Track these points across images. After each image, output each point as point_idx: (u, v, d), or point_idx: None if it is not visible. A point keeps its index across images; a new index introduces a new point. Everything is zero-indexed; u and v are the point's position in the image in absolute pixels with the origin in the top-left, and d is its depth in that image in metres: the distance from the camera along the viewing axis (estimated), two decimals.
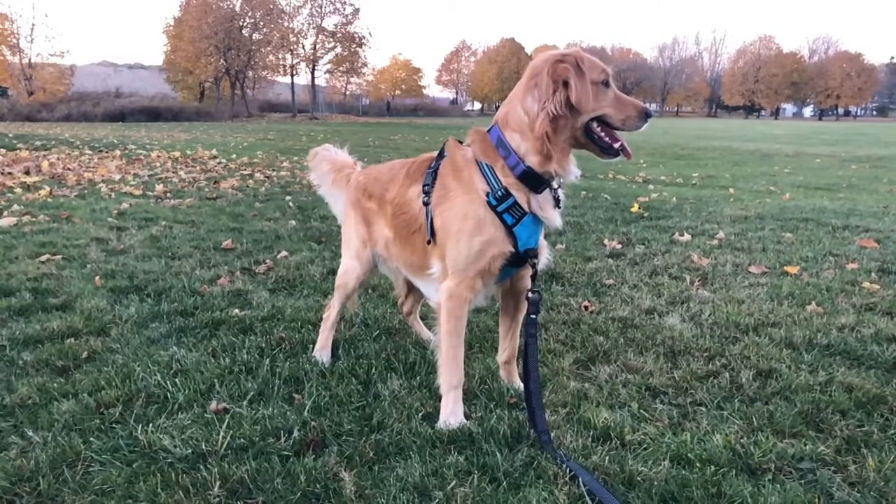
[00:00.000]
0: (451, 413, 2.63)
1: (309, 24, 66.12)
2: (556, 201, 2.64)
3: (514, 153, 2.54)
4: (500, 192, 2.54)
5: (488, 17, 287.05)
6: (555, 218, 2.64)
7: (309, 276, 4.80)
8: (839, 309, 4.17)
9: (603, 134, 2.51)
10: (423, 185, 2.75)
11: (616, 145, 2.52)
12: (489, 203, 2.54)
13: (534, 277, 2.72)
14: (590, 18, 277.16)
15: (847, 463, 2.40)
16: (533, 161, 2.52)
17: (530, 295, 2.72)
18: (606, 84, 2.50)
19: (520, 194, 2.55)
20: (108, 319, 3.76)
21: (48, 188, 8.97)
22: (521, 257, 2.62)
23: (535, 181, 2.54)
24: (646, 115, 2.51)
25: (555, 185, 2.61)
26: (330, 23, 67.38)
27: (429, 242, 2.72)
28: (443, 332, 2.67)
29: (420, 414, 2.70)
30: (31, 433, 2.49)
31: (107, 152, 15.95)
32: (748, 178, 13.06)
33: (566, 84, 2.42)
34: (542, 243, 2.74)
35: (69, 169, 11.81)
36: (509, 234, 2.57)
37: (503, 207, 2.54)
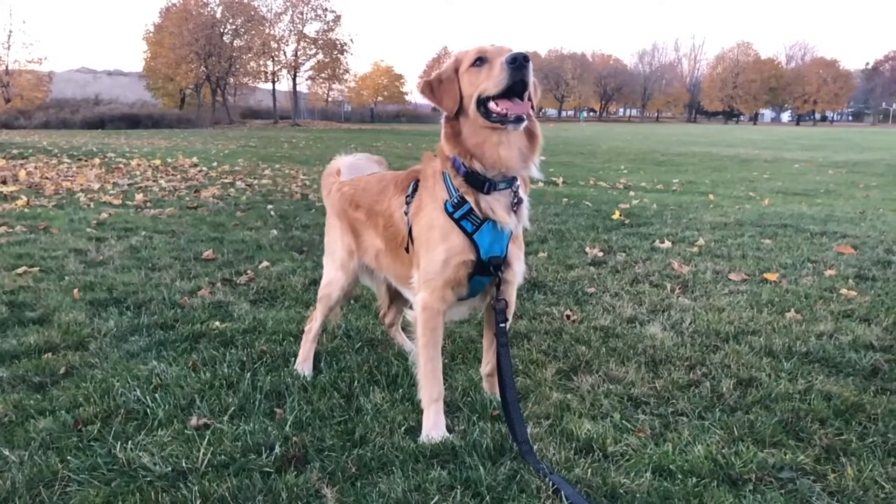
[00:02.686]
0: (434, 426, 2.62)
1: (290, 30, 66.02)
2: (516, 202, 2.58)
3: (456, 157, 2.55)
4: (456, 199, 2.55)
5: (470, 23, 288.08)
6: (508, 221, 2.56)
7: (291, 287, 4.77)
8: (818, 316, 4.22)
9: (499, 109, 2.37)
10: (406, 196, 2.79)
11: (511, 110, 2.34)
12: (447, 210, 2.56)
13: (498, 286, 2.68)
14: (570, 24, 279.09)
15: (826, 472, 2.42)
16: (464, 161, 2.52)
17: (495, 304, 2.72)
18: (480, 63, 2.43)
19: (472, 198, 2.54)
20: (87, 333, 3.72)
21: (25, 198, 8.85)
22: (486, 265, 2.60)
23: (477, 181, 2.51)
24: (509, 62, 2.28)
25: (513, 187, 2.56)
26: (311, 29, 67.44)
27: (407, 250, 2.77)
28: (420, 345, 2.68)
29: (402, 428, 2.69)
30: (7, 452, 2.45)
31: (86, 161, 15.80)
32: (728, 183, 13.19)
33: (433, 92, 2.54)
34: (515, 255, 2.70)
35: (47, 178, 11.68)
36: (470, 241, 2.56)
37: (460, 214, 2.55)
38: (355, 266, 3.21)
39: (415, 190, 2.76)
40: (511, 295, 2.82)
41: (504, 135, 2.45)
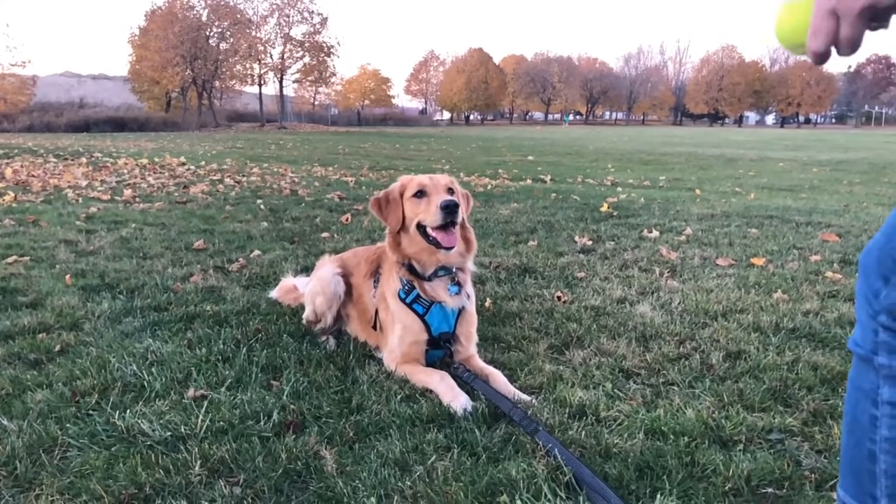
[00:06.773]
0: (452, 399, 2.67)
1: (276, 33, 65.91)
2: (457, 285, 3.03)
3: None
4: (407, 287, 3.01)
5: (456, 27, 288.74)
6: (450, 301, 3.00)
7: (283, 273, 4.78)
8: (804, 296, 4.29)
9: (435, 235, 2.86)
10: (374, 282, 3.27)
11: (443, 242, 2.83)
12: (400, 297, 3.01)
13: (451, 356, 3.02)
14: (556, 28, 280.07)
15: (814, 433, 2.48)
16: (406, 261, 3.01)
17: (453, 370, 2.93)
18: (420, 195, 2.91)
19: (418, 284, 2.99)
20: (81, 315, 3.72)
21: (13, 194, 8.81)
22: (437, 341, 3.00)
23: (417, 273, 3.00)
24: (441, 209, 2.77)
25: (452, 273, 3.01)
26: (298, 32, 67.28)
27: (374, 328, 3.23)
28: (406, 378, 2.94)
29: (399, 396, 2.73)
30: (5, 421, 2.47)
31: (72, 160, 15.71)
32: (714, 180, 13.32)
33: (381, 209, 3.05)
34: (464, 333, 3.05)
35: (34, 176, 11.62)
36: (423, 322, 2.98)
37: (411, 299, 3.00)
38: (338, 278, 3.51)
39: (378, 272, 3.25)
40: (466, 354, 3.09)
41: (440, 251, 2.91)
